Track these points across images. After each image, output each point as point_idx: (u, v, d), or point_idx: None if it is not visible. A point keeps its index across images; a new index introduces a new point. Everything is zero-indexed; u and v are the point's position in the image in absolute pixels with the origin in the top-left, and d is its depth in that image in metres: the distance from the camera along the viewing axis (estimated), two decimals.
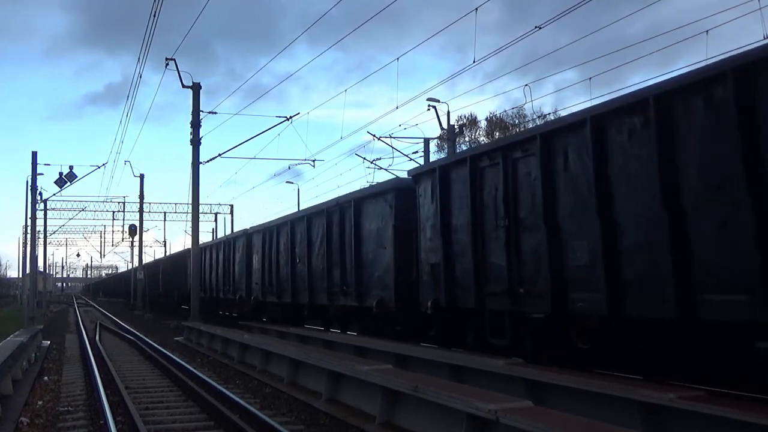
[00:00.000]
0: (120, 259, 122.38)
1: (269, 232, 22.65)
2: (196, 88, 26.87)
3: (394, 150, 29.98)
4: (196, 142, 26.93)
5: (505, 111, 60.79)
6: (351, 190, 18.31)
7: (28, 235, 38.15)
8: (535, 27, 16.26)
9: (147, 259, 60.88)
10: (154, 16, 18.89)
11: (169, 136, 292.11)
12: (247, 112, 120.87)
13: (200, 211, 31.11)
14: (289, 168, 34.46)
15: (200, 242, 31.21)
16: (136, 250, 52.60)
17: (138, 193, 48.41)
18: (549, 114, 34.16)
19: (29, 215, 36.48)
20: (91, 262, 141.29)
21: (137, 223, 50.21)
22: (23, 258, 48.52)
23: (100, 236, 78.06)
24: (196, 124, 26.87)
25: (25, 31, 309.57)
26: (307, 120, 74.22)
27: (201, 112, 26.94)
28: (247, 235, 25.72)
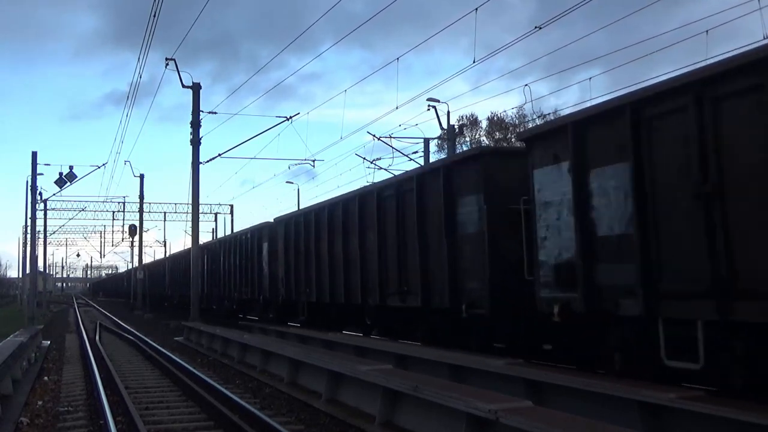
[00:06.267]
0: (120, 259, 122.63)
1: (302, 221, 19.74)
2: (195, 89, 26.91)
3: (394, 150, 30.05)
4: (196, 142, 26.97)
5: (505, 111, 60.84)
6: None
7: (28, 235, 38.23)
8: (535, 27, 16.25)
9: (147, 259, 60.94)
10: (155, 16, 18.91)
11: (170, 135, 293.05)
12: (271, 112, 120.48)
13: (200, 211, 31.10)
14: (289, 168, 34.46)
15: (200, 242, 31.15)
16: (136, 250, 52.66)
17: (138, 193, 48.46)
18: (549, 114, 34.13)
19: (29, 215, 36.58)
20: (91, 262, 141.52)
21: (137, 223, 50.24)
22: (23, 258, 48.64)
23: (100, 236, 78.17)
24: (196, 124, 26.91)
25: (53, 31, 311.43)
26: (307, 120, 74.44)
27: (201, 112, 27.00)
28: (272, 226, 23.09)
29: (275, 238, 22.44)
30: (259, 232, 24.89)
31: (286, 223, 21.35)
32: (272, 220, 23.63)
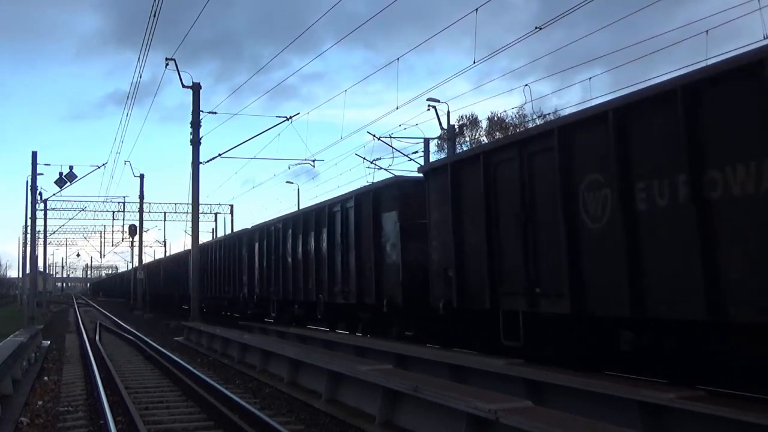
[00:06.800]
0: (120, 259, 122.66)
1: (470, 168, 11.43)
2: (195, 89, 26.95)
3: (394, 150, 30.07)
4: (196, 142, 26.99)
5: (505, 111, 60.87)
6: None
7: (28, 235, 38.23)
8: (536, 27, 16.26)
9: (147, 259, 60.88)
10: (155, 15, 18.91)
11: (172, 135, 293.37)
12: (274, 112, 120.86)
13: (200, 211, 31.09)
14: (288, 168, 34.46)
15: (200, 242, 31.04)
16: (136, 250, 52.64)
17: (138, 193, 48.48)
18: (549, 114, 34.15)
19: (29, 215, 36.60)
20: (91, 262, 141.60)
21: (137, 223, 50.27)
22: (23, 258, 48.62)
23: (100, 236, 78.34)
24: (196, 124, 26.95)
25: (55, 31, 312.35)
26: (307, 120, 74.58)
27: (201, 112, 27.03)
28: (402, 183, 14.51)
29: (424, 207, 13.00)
30: (369, 194, 15.55)
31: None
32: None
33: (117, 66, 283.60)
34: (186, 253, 37.85)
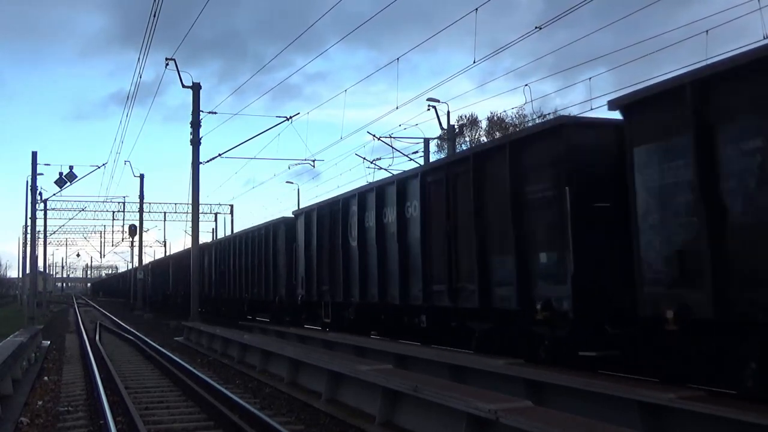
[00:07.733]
0: (120, 259, 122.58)
1: None
2: (195, 89, 26.93)
3: (394, 150, 30.07)
4: (196, 142, 26.98)
5: (504, 111, 60.88)
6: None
7: (28, 235, 38.24)
8: (536, 27, 16.25)
9: (147, 259, 60.84)
10: (155, 16, 18.89)
11: (175, 135, 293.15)
12: (278, 112, 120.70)
13: (200, 211, 31.06)
14: (288, 168, 34.44)
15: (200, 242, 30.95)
16: (136, 250, 52.65)
17: (138, 193, 48.47)
18: (549, 114, 34.14)
19: (29, 215, 36.61)
20: (91, 262, 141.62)
21: (137, 223, 50.27)
22: (23, 258, 48.63)
23: (100, 236, 78.31)
24: (195, 124, 26.93)
25: (59, 31, 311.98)
26: (307, 120, 74.52)
27: (201, 112, 27.02)
28: None
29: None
30: None
31: None
32: None
33: (120, 66, 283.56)
34: (257, 230, 25.57)
